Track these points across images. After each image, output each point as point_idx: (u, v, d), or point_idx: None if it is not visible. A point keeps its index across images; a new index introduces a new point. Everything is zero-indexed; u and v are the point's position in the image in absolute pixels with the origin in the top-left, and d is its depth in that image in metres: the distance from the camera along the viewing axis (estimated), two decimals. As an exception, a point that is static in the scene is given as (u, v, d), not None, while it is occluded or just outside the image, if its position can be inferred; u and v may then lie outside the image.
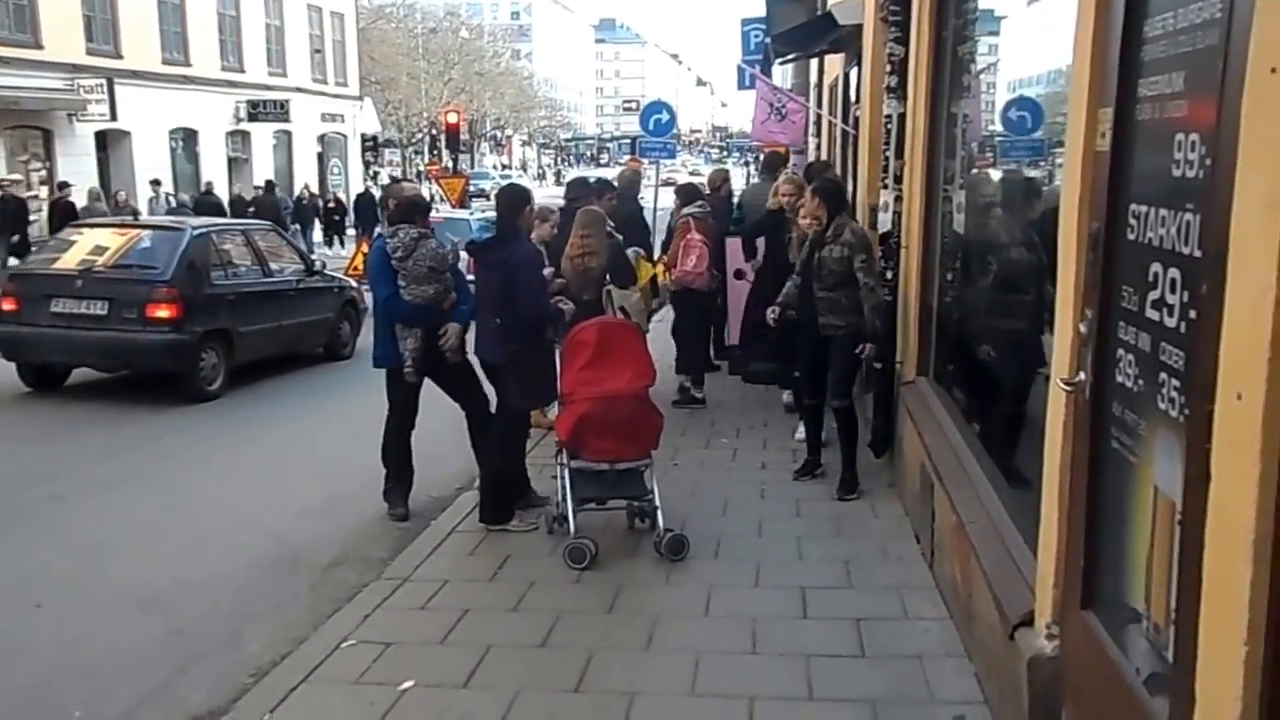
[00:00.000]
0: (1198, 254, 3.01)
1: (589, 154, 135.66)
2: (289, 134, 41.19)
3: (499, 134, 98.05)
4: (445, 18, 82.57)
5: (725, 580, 6.84)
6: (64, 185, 26.66)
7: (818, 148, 21.15)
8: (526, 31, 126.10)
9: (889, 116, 8.93)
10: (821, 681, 5.43)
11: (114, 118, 30.38)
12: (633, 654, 5.83)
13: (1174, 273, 3.17)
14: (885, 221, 8.95)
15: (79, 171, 28.99)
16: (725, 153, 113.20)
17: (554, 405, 8.34)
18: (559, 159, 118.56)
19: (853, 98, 14.38)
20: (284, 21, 41.50)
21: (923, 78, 8.22)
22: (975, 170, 7.57)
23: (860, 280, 8.19)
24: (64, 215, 23.05)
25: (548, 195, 43.16)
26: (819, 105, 20.57)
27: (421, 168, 69.13)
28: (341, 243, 33.52)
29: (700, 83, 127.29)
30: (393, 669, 5.68)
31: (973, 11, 7.66)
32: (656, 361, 7.85)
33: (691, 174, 54.38)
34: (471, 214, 22.01)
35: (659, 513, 7.46)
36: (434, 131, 69.73)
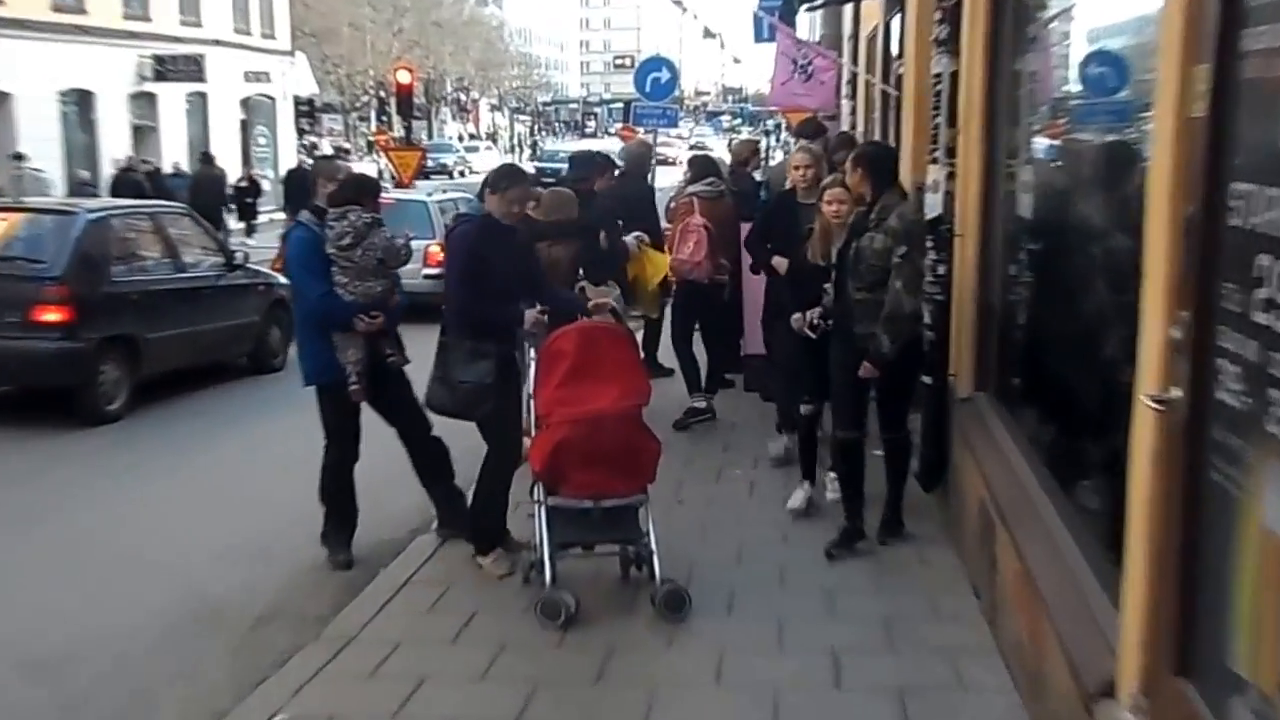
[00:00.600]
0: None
1: (574, 121, 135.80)
2: (204, 97, 41.23)
3: (462, 97, 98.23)
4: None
5: (740, 642, 6.85)
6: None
7: (852, 113, 21.22)
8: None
9: (938, 75, 8.96)
10: (858, 766, 5.44)
11: (-10, 77, 30.44)
12: (626, 733, 5.84)
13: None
14: (934, 204, 8.97)
15: (-57, 144, 29.03)
16: (739, 120, 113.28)
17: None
18: (536, 127, 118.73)
19: (894, 52, 14.44)
20: (199, -40, 41.67)
21: (980, 28, 8.25)
22: (1046, 140, 7.60)
23: (890, 278, 7.79)
24: (-72, 197, 23.05)
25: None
26: (853, 62, 20.65)
27: (370, 136, 69.26)
28: (253, 229, 33.36)
29: (708, 34, 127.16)
30: (333, 751, 5.68)
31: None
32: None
33: (694, 147, 54.31)
34: (430, 196, 21.92)
35: (656, 559, 7.43)
36: (382, 94, 69.88)
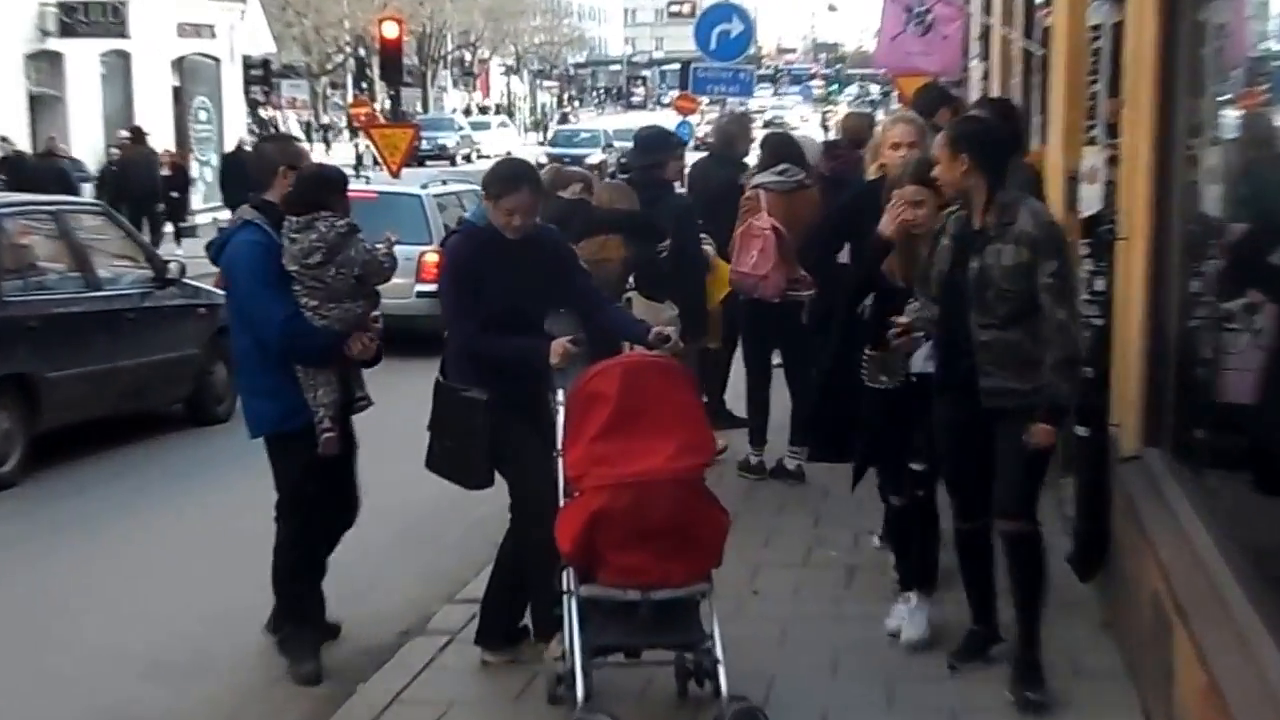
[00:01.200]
0: None
1: (616, 89, 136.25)
2: (126, 57, 41.37)
3: (468, 57, 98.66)
4: None
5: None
6: None
7: (984, 78, 21.26)
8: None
9: (1098, 28, 8.99)
10: None
11: None
12: None
13: None
14: (1092, 198, 8.99)
15: None
16: (834, 87, 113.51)
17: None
18: (566, 96, 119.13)
19: (1038, 0, 14.48)
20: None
21: (1152, -35, 8.28)
22: (1240, 114, 7.61)
23: (1046, 307, 7.44)
24: None
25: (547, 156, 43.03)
26: (985, 12, 20.71)
27: (345, 107, 69.58)
28: (184, 233, 33.36)
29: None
30: None
31: None
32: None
33: (770, 124, 54.11)
34: (424, 188, 21.90)
35: (723, 670, 7.37)
36: (362, 53, 70.36)
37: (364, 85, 70.73)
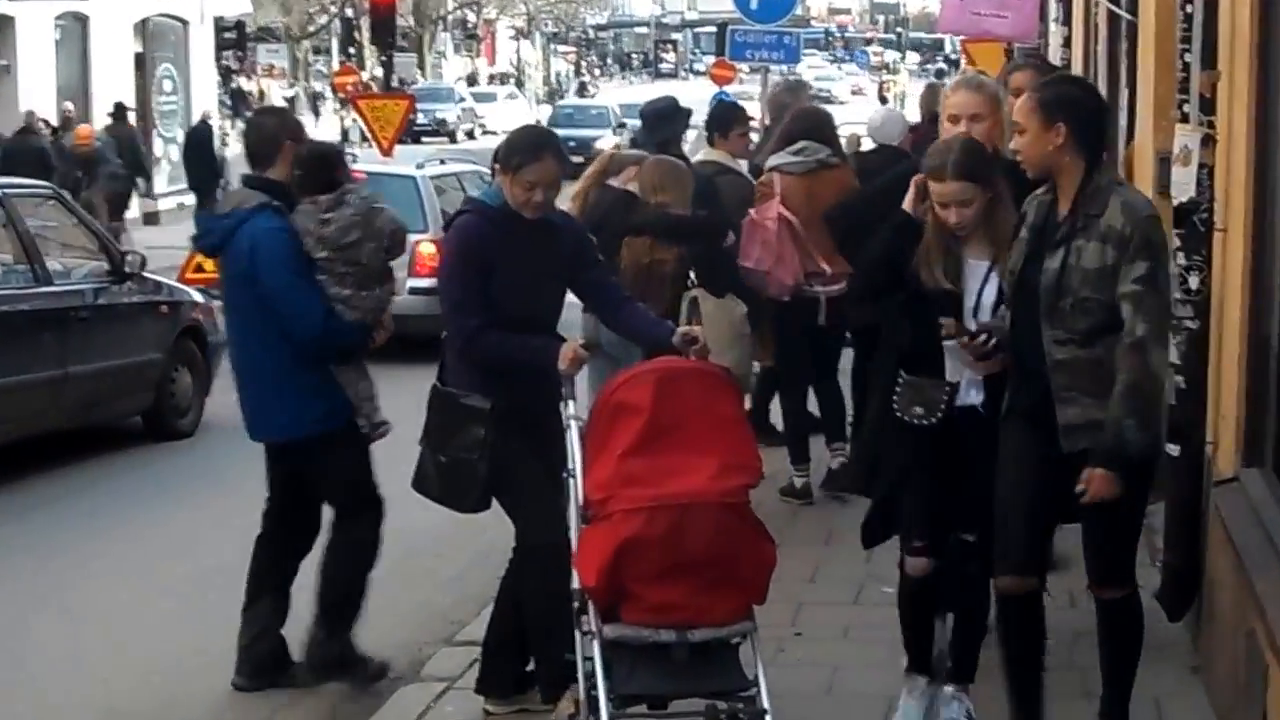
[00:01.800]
0: None
1: (642, 55, 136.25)
2: (83, 21, 41.52)
3: (471, 18, 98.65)
4: None
5: None
6: None
7: (1065, 45, 21.27)
8: None
9: (1192, -9, 9.02)
10: None
11: None
12: None
13: None
14: (1184, 183, 9.00)
15: None
16: (897, 55, 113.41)
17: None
18: (585, 64, 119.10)
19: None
20: None
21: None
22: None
23: (1126, 319, 7.02)
24: None
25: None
26: (1067, -34, 20.72)
27: (329, 75, 69.67)
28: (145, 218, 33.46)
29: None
30: None
31: None
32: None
33: (817, 97, 53.68)
34: (420, 169, 21.99)
35: (769, 722, 7.46)
36: (349, 13, 70.34)
37: (351, 50, 70.63)
